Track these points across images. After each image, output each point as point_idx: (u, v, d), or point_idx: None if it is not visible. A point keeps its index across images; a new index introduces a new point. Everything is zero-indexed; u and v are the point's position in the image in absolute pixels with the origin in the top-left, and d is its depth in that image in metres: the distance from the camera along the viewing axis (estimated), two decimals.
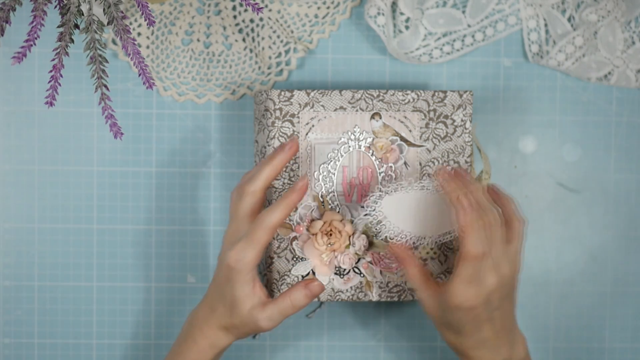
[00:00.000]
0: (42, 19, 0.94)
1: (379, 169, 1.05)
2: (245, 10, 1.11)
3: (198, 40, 1.11)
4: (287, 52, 1.11)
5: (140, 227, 1.12)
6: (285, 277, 1.05)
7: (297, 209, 1.05)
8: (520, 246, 1.01)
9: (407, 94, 1.05)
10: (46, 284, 1.12)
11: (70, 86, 1.11)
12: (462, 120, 1.06)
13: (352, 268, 1.06)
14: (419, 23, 1.11)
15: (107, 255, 1.12)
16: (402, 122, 1.06)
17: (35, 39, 0.93)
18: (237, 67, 1.11)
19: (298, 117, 1.05)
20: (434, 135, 1.06)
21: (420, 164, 1.06)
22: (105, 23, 0.94)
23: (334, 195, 1.05)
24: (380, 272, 1.06)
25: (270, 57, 1.11)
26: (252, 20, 1.11)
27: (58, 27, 0.94)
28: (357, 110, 1.05)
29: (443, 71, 1.13)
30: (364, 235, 1.05)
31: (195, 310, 1.04)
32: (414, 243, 1.03)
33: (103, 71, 0.94)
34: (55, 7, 0.95)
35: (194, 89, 1.12)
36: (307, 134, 1.05)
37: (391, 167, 1.06)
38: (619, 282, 1.14)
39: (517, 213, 1.02)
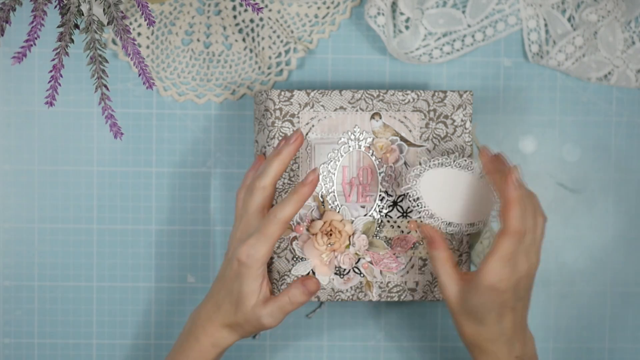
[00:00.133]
0: (42, 19, 0.94)
1: (379, 169, 1.05)
2: (245, 10, 1.11)
3: (198, 40, 1.11)
4: (287, 52, 1.11)
5: (140, 227, 1.12)
6: (285, 277, 1.05)
7: None
8: (541, 242, 1.00)
9: (407, 94, 1.05)
10: (46, 284, 1.12)
11: (70, 86, 1.11)
12: (462, 120, 1.06)
13: (352, 268, 1.06)
14: (419, 23, 1.11)
15: (107, 255, 1.12)
16: (402, 122, 1.06)
17: (35, 39, 0.93)
18: (237, 67, 1.12)
19: (298, 117, 1.05)
20: (434, 135, 1.06)
21: (420, 164, 1.06)
22: (105, 23, 0.94)
23: (334, 195, 1.05)
24: (380, 272, 1.06)
25: (270, 57, 1.11)
26: (252, 20, 1.11)
27: (58, 27, 0.94)
28: (357, 110, 1.05)
29: (443, 71, 1.13)
30: (364, 235, 1.05)
31: (198, 309, 1.04)
32: (441, 228, 1.03)
33: (103, 71, 0.94)
34: (55, 7, 0.95)
35: (194, 89, 1.12)
36: (307, 134, 1.05)
37: (391, 167, 1.06)
38: (619, 282, 1.14)
39: (540, 208, 1.01)
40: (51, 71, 0.95)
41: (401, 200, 1.06)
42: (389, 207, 1.06)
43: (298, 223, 1.05)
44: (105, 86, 0.95)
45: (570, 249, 1.14)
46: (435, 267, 1.01)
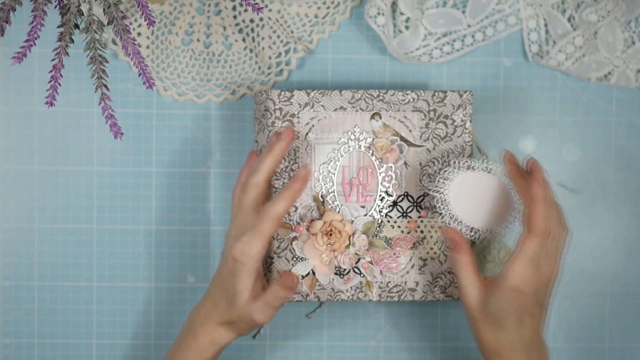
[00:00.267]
0: (42, 19, 0.94)
1: (379, 169, 1.05)
2: (245, 10, 1.11)
3: (198, 40, 1.11)
4: (287, 52, 1.11)
5: (140, 227, 1.12)
6: None
7: (297, 208, 1.05)
8: (562, 253, 1.01)
9: (407, 94, 1.05)
10: (46, 284, 1.12)
11: (70, 86, 1.11)
12: (462, 120, 1.06)
13: (352, 268, 1.06)
14: (419, 23, 1.11)
15: (107, 255, 1.12)
16: (402, 122, 1.06)
17: (35, 39, 0.93)
18: (237, 67, 1.12)
19: (298, 117, 1.05)
20: (434, 135, 1.06)
21: (420, 164, 1.06)
22: (105, 23, 0.94)
23: (334, 195, 1.05)
24: (380, 272, 1.06)
25: (270, 57, 1.11)
26: (252, 20, 1.11)
27: (58, 27, 0.94)
28: (357, 110, 1.05)
29: (443, 71, 1.13)
30: (364, 235, 1.05)
31: (197, 307, 1.04)
32: (464, 233, 1.03)
33: (103, 71, 0.94)
34: (55, 7, 0.95)
35: (194, 89, 1.12)
36: (307, 134, 1.05)
37: (391, 167, 1.06)
38: (619, 282, 1.14)
39: (564, 219, 1.01)
40: (51, 71, 0.95)
41: (401, 200, 1.06)
42: (389, 207, 1.06)
43: (298, 223, 1.05)
44: (105, 86, 0.95)
45: (570, 249, 1.14)
46: (457, 270, 1.01)
